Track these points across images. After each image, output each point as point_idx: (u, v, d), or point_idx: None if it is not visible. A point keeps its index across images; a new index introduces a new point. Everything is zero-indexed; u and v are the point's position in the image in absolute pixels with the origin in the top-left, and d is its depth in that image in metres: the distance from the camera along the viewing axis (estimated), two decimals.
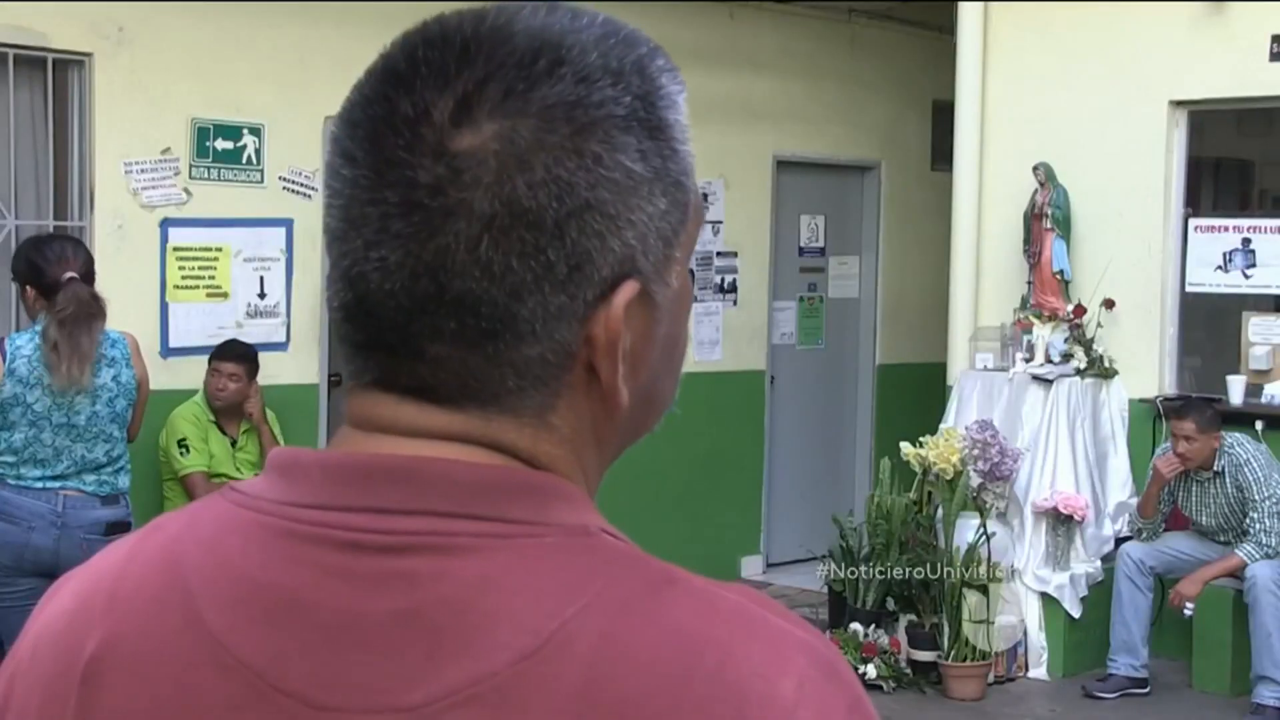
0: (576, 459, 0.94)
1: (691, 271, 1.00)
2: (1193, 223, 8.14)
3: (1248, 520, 7.23)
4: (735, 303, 9.67)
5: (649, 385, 0.97)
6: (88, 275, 5.22)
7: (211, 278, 7.49)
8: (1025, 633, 7.68)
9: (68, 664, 0.95)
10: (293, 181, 7.61)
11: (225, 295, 7.53)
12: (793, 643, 0.88)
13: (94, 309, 5.15)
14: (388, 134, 0.90)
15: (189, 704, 0.90)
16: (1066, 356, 7.98)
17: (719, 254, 9.57)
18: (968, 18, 8.45)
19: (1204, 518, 7.42)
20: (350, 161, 0.91)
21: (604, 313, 0.91)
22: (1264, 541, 7.15)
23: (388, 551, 0.88)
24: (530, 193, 0.88)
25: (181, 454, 6.80)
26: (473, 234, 0.88)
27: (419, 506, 0.89)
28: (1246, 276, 7.98)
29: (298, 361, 7.69)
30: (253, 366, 6.99)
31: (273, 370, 7.38)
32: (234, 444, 6.97)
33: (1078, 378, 7.95)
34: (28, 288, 5.24)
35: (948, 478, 7.52)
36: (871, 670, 7.31)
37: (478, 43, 0.90)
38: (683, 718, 0.84)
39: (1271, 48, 7.78)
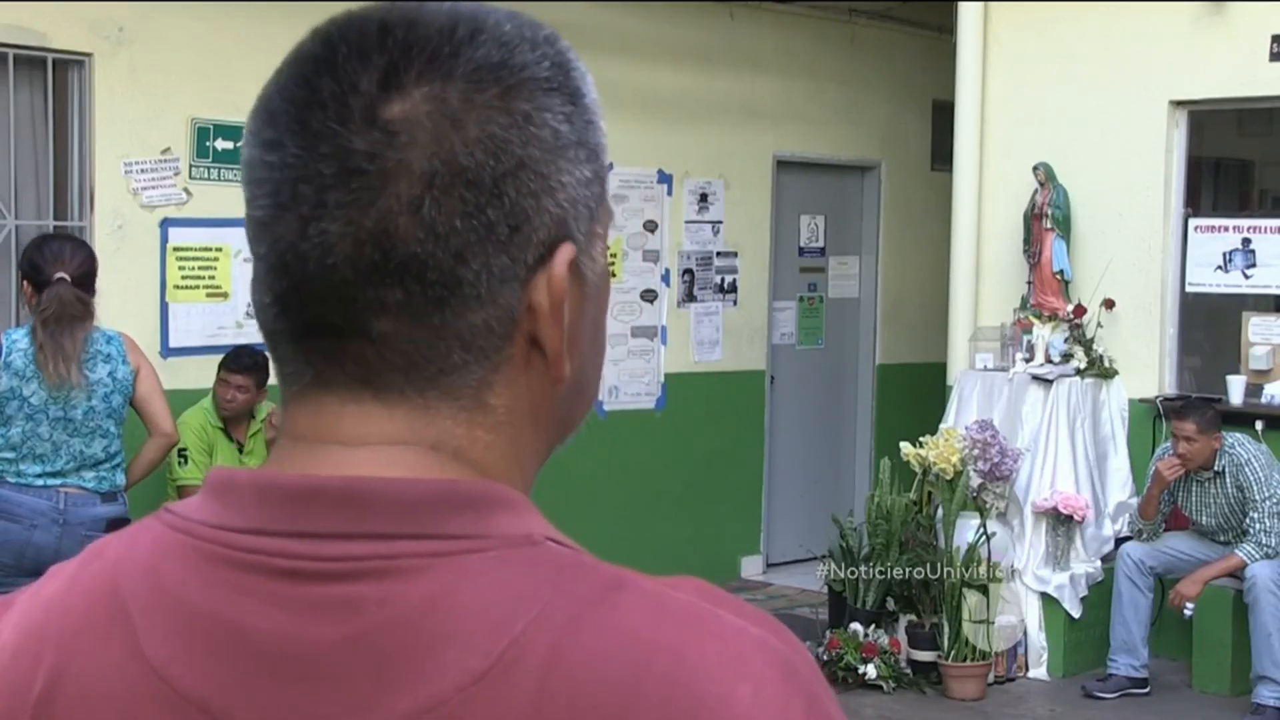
0: (512, 446, 0.92)
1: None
2: (1193, 223, 8.14)
3: (1248, 520, 7.23)
4: (735, 303, 9.67)
5: (580, 370, 0.96)
6: (85, 277, 5.22)
7: (211, 278, 7.50)
8: (1025, 633, 7.68)
9: (18, 703, 0.92)
10: None
11: (225, 295, 7.53)
12: (748, 641, 0.86)
13: (75, 311, 5.14)
14: (314, 111, 0.88)
15: None
16: (1066, 356, 7.98)
17: (719, 254, 9.57)
18: (968, 18, 8.45)
19: (1204, 518, 7.42)
20: (274, 148, 0.90)
21: (545, 276, 0.90)
22: (1264, 541, 7.15)
23: (328, 578, 0.86)
24: (467, 150, 0.88)
25: (180, 464, 6.79)
26: (414, 195, 0.87)
27: (358, 530, 0.86)
28: (1246, 276, 7.98)
29: None
30: (262, 376, 6.96)
31: (271, 371, 7.37)
32: (241, 449, 6.98)
33: (1078, 378, 7.95)
34: (26, 283, 5.30)
35: (948, 478, 7.52)
36: (871, 670, 7.28)
37: (394, 23, 0.91)
38: None
39: (1271, 48, 7.78)
